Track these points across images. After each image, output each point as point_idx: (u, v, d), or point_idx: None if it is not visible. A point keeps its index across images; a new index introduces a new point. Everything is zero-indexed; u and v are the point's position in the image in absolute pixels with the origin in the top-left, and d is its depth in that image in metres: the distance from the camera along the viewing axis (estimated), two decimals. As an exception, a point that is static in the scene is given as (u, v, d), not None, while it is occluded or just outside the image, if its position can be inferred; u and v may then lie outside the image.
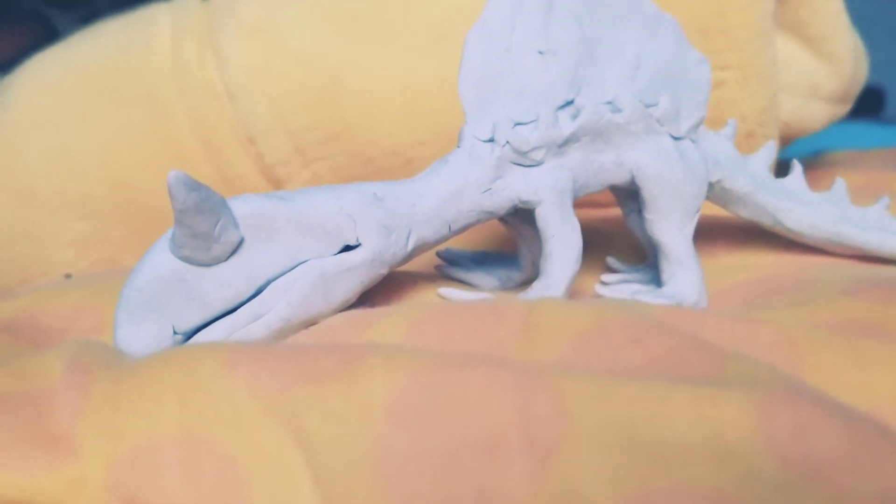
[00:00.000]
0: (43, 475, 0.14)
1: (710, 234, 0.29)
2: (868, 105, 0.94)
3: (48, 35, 0.38)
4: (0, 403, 0.15)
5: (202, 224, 0.19)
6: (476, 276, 0.26)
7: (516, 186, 0.23)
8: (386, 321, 0.19)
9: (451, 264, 0.26)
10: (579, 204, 0.35)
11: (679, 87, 0.24)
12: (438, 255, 0.27)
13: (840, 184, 0.27)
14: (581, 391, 0.13)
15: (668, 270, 0.24)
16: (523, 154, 0.22)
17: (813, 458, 0.12)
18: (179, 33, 0.34)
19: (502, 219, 0.24)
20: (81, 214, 0.35)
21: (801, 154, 0.59)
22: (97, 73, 0.35)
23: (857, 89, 0.41)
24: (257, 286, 0.20)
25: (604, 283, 0.26)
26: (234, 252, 0.20)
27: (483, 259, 0.27)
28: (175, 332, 0.20)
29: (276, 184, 0.35)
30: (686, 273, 0.24)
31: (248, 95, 0.34)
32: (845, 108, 0.41)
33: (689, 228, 0.24)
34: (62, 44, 0.36)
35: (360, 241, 0.21)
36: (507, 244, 0.29)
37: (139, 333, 0.20)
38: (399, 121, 0.33)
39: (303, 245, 0.21)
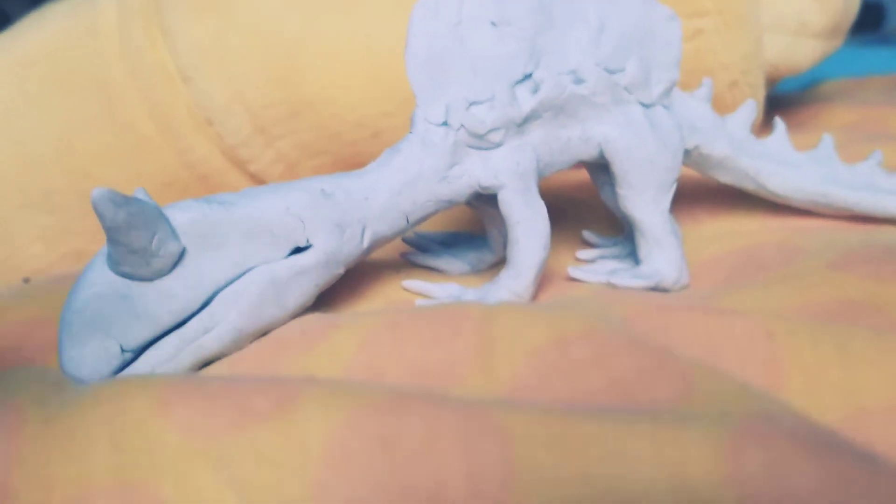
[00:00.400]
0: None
1: (693, 197, 0.28)
2: (867, 21, 0.91)
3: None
4: None
5: (137, 240, 0.18)
6: (444, 261, 0.24)
7: (475, 172, 0.21)
8: (339, 334, 0.18)
9: (419, 249, 0.25)
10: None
11: (648, 48, 0.22)
12: (405, 240, 0.25)
13: (827, 140, 0.25)
14: (529, 435, 0.12)
15: (644, 248, 0.23)
16: (480, 137, 0.21)
17: (785, 499, 0.11)
18: (126, 14, 0.33)
19: (468, 202, 0.23)
20: (45, 209, 0.34)
21: (793, 86, 0.57)
22: (45, 62, 0.33)
23: (848, 23, 0.39)
24: (205, 297, 0.19)
25: (579, 261, 0.25)
26: (176, 264, 0.19)
27: (452, 241, 0.25)
28: (123, 350, 0.19)
29: (240, 164, 0.33)
30: (664, 251, 0.22)
31: (201, 75, 0.32)
32: (837, 42, 0.39)
33: (665, 202, 0.22)
34: (8, 32, 0.35)
35: (311, 241, 0.20)
36: (477, 224, 0.27)
37: (85, 355, 0.18)
38: (363, 92, 0.32)
39: (250, 250, 0.19)
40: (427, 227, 0.27)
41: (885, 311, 0.18)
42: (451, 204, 0.22)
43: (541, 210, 0.21)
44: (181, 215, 0.19)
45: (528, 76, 0.21)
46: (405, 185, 0.21)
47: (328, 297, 0.22)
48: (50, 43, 0.33)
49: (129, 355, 0.19)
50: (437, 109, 0.21)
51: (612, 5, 0.22)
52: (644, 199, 0.22)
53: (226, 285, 0.19)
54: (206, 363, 0.19)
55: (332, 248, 0.20)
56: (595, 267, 0.24)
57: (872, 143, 0.32)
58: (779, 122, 0.25)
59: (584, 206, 0.28)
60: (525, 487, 0.11)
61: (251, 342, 0.20)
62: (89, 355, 0.18)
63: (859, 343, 0.15)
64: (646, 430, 0.12)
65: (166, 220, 0.18)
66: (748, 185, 0.25)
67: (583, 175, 0.30)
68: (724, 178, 0.25)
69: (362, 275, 0.24)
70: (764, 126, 0.36)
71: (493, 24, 0.21)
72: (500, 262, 0.24)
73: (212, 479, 0.13)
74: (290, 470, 0.13)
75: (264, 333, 0.20)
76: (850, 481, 0.11)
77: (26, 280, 0.31)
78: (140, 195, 0.19)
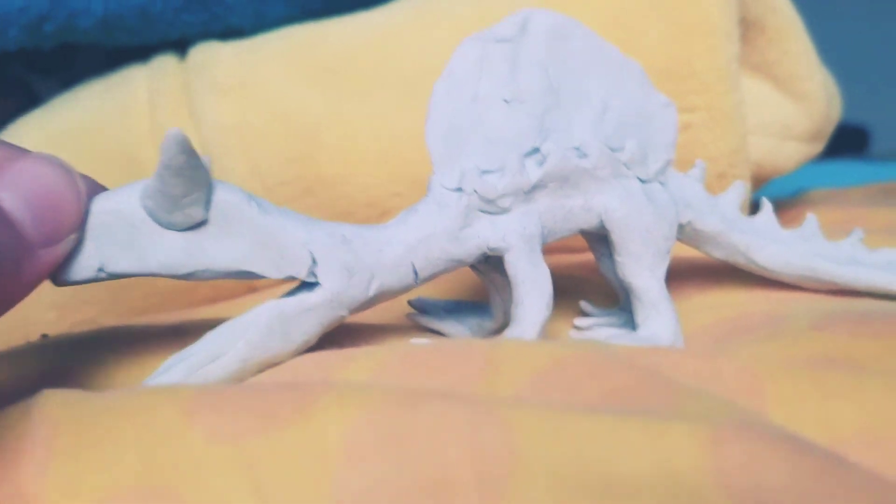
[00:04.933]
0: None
1: (683, 274, 0.29)
2: (852, 143, 0.95)
3: (29, 101, 0.39)
4: None
5: (176, 187, 0.19)
6: (447, 325, 0.26)
7: (484, 234, 0.23)
8: (352, 364, 0.19)
9: (423, 313, 0.26)
10: (553, 250, 0.35)
11: (646, 130, 0.25)
12: (410, 303, 0.27)
13: (811, 219, 0.27)
14: (531, 426, 0.13)
15: (641, 313, 0.24)
16: (490, 202, 0.23)
17: (761, 491, 0.12)
18: (156, 95, 0.35)
19: (474, 267, 0.24)
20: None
21: (781, 193, 0.59)
22: (77, 137, 0.35)
23: (830, 127, 0.42)
24: (193, 270, 0.20)
25: (577, 328, 0.26)
26: (191, 228, 0.20)
27: (455, 308, 0.27)
28: (100, 269, 0.20)
29: (256, 239, 0.35)
30: (660, 315, 0.24)
31: (224, 154, 0.34)
32: (819, 146, 0.42)
33: (661, 270, 0.24)
34: (42, 109, 0.37)
35: (321, 280, 0.21)
36: (479, 293, 0.29)
37: (73, 252, 0.20)
38: (375, 172, 0.34)
39: (253, 256, 0.21)
40: (435, 296, 0.29)
41: (860, 364, 0.19)
42: (459, 263, 0.23)
43: (545, 272, 0.23)
44: (223, 194, 0.21)
45: (536, 150, 0.23)
46: (419, 241, 0.22)
47: (335, 345, 0.23)
48: (83, 120, 0.35)
49: (104, 275, 0.20)
50: (453, 176, 0.23)
51: (615, 89, 0.24)
52: (641, 265, 0.24)
53: (214, 270, 0.21)
54: None
55: (338, 289, 0.21)
56: (592, 333, 0.25)
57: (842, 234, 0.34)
58: (765, 202, 0.27)
59: (584, 283, 0.29)
60: (528, 474, 0.13)
61: (255, 374, 0.21)
62: (75, 254, 0.20)
63: (836, 380, 0.16)
64: (637, 424, 0.13)
65: (209, 189, 0.20)
66: (739, 260, 0.26)
67: (582, 255, 0.31)
68: (716, 252, 0.26)
69: (370, 334, 0.25)
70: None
71: (507, 101, 0.23)
72: (500, 329, 0.26)
73: (235, 484, 0.14)
74: (310, 469, 0.14)
75: (268, 367, 0.21)
76: (820, 476, 0.12)
77: (44, 336, 0.32)
78: (206, 162, 0.21)
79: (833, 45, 0.39)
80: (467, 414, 0.13)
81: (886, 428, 0.15)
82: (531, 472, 0.13)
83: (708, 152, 0.34)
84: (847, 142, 0.95)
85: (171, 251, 0.20)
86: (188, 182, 0.19)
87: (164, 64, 0.36)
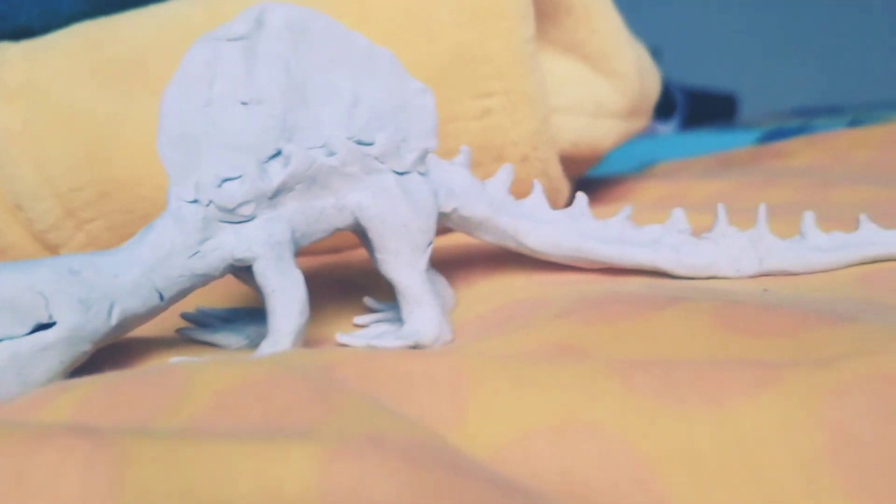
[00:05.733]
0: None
1: (472, 260, 0.29)
2: (721, 111, 0.98)
3: None
4: None
5: None
6: (222, 336, 0.25)
7: (228, 245, 0.22)
8: (62, 396, 0.18)
9: (198, 325, 0.26)
10: (345, 245, 0.35)
11: (403, 120, 0.24)
12: (182, 316, 0.26)
13: (580, 198, 0.27)
14: (144, 456, 0.13)
15: (405, 309, 0.24)
16: (230, 211, 0.22)
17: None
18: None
19: (237, 276, 0.24)
20: None
21: (631, 167, 0.60)
22: None
23: (648, 103, 0.42)
24: None
25: (356, 326, 0.26)
26: None
27: (233, 316, 0.26)
28: None
29: (52, 249, 0.34)
30: (422, 310, 0.24)
31: (10, 160, 0.32)
32: (640, 122, 0.42)
33: (421, 264, 0.24)
34: None
35: (55, 318, 0.20)
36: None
37: None
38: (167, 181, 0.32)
39: None
40: (219, 302, 0.28)
41: (587, 350, 0.19)
42: (206, 279, 0.22)
43: (296, 278, 0.22)
44: None
45: (279, 152, 0.23)
46: (158, 260, 0.21)
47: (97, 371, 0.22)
48: None
49: None
50: (188, 187, 0.22)
51: (365, 80, 0.24)
52: (401, 261, 0.23)
53: None
54: None
55: (75, 325, 0.20)
56: (363, 332, 0.25)
57: (667, 210, 0.35)
58: (536, 185, 0.27)
59: (374, 276, 0.29)
60: (131, 501, 0.12)
61: None
62: None
63: (532, 373, 0.16)
64: (250, 450, 0.12)
65: None
66: (509, 244, 0.26)
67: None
68: (487, 237, 0.26)
69: (136, 350, 0.24)
70: (569, 202, 0.38)
71: (244, 103, 0.22)
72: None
73: None
74: None
75: None
76: (432, 493, 0.12)
77: None
78: None
79: (702, 16, 0.40)
80: (85, 449, 0.13)
81: (572, 420, 0.15)
82: (135, 499, 0.12)
83: (509, 136, 0.34)
84: (716, 110, 0.97)
85: None
86: None
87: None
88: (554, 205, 0.37)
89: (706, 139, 0.70)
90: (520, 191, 0.30)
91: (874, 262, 0.25)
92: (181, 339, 0.25)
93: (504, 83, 0.33)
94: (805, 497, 0.14)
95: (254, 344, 0.25)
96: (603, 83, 0.39)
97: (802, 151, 0.48)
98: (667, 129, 0.82)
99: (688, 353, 0.18)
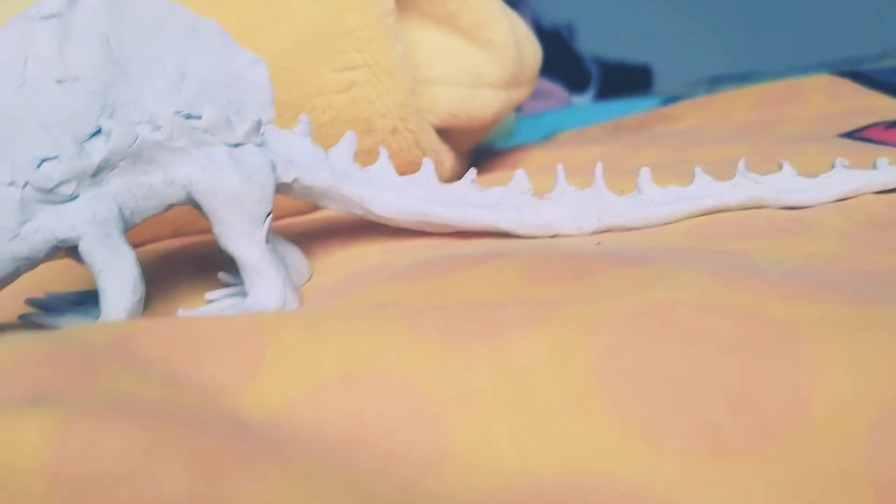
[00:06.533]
0: None
1: (329, 233, 0.29)
2: (637, 82, 0.99)
3: None
4: None
5: None
6: (69, 320, 0.25)
7: (49, 226, 0.22)
8: None
9: (45, 309, 0.25)
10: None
11: (235, 91, 0.24)
12: (28, 302, 0.26)
13: (427, 164, 0.27)
14: None
15: (248, 281, 0.24)
16: (49, 191, 0.22)
17: (97, 476, 0.12)
18: None
19: (72, 257, 0.23)
20: None
21: (539, 136, 0.61)
22: None
23: (530, 73, 0.43)
24: None
25: (208, 301, 0.26)
26: None
27: (84, 299, 0.26)
28: None
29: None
30: (264, 280, 0.24)
31: None
32: (522, 92, 0.43)
33: (261, 235, 0.24)
34: None
35: None
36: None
37: None
38: None
39: None
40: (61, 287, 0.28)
41: (404, 306, 0.20)
42: (30, 262, 0.22)
43: (126, 256, 0.22)
44: None
45: (101, 130, 0.22)
46: None
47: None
48: None
49: None
50: (4, 169, 0.22)
51: (191, 54, 0.24)
52: (237, 233, 0.23)
53: None
54: None
55: None
56: (209, 307, 0.25)
57: (546, 175, 0.35)
58: (382, 151, 0.27)
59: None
60: None
61: None
62: None
63: (328, 324, 0.16)
64: None
65: None
66: (357, 211, 0.26)
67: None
68: (333, 206, 0.26)
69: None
70: (460, 174, 0.38)
71: (60, 81, 0.22)
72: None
73: None
74: None
75: None
76: (158, 451, 0.12)
77: None
78: None
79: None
80: None
81: (362, 367, 0.16)
82: None
83: (376, 108, 0.34)
84: (632, 81, 0.98)
85: None
86: None
87: None
88: (440, 176, 0.37)
89: (613, 108, 0.70)
90: (396, 164, 0.30)
91: (707, 214, 0.26)
92: (23, 326, 0.25)
93: (365, 56, 0.33)
94: (574, 419, 0.14)
95: None
96: (478, 54, 0.39)
97: (687, 114, 0.49)
98: (582, 100, 0.83)
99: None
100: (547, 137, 0.60)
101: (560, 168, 0.26)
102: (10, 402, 0.13)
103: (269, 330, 0.17)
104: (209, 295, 0.26)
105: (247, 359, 0.16)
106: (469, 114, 0.39)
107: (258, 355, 0.16)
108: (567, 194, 0.26)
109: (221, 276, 0.27)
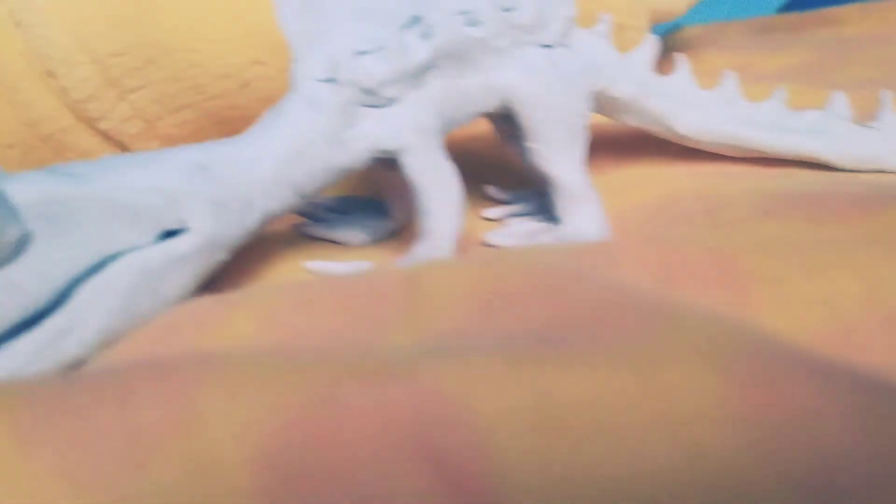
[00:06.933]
0: None
1: (594, 145, 0.27)
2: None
3: None
4: None
5: None
6: (342, 232, 0.22)
7: (373, 134, 0.19)
8: (236, 313, 0.15)
9: (311, 219, 0.23)
10: None
11: None
12: (296, 212, 0.23)
13: (730, 77, 0.24)
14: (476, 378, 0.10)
15: (562, 206, 0.21)
16: (372, 92, 0.18)
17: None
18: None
19: (389, 171, 0.20)
20: None
21: (658, 29, 0.57)
22: None
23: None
24: (59, 288, 0.16)
25: (488, 220, 0.23)
26: (21, 250, 0.16)
27: (346, 207, 0.23)
28: None
29: (89, 122, 0.29)
30: (585, 207, 0.21)
31: (40, 20, 0.28)
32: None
33: (579, 153, 0.21)
34: None
35: (187, 224, 0.17)
36: (369, 186, 0.25)
37: None
38: (227, 38, 0.28)
39: (110, 234, 0.16)
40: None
41: (843, 243, 0.17)
42: (347, 172, 0.19)
43: (450, 172, 0.19)
44: (24, 192, 0.16)
45: (416, 19, 0.19)
46: (295, 153, 0.18)
47: (212, 286, 0.19)
48: None
49: None
50: (320, 63, 0.18)
51: None
52: (557, 150, 0.21)
53: (84, 275, 0.16)
54: (75, 365, 0.16)
55: (211, 232, 0.17)
56: (511, 230, 0.22)
57: (746, 85, 0.32)
58: (681, 59, 0.24)
59: (482, 159, 0.26)
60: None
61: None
62: None
63: (825, 256, 0.14)
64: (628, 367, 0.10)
65: (3, 198, 0.15)
66: (655, 128, 0.24)
67: (475, 126, 0.28)
68: (631, 121, 0.23)
69: (252, 252, 0.21)
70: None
71: None
72: (402, 230, 0.22)
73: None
74: None
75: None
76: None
77: None
78: None
79: None
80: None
81: None
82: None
83: (606, 4, 0.30)
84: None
85: (22, 287, 0.15)
86: None
87: None
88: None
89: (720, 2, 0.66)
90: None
91: None
92: (297, 236, 0.22)
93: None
94: None
95: (376, 240, 0.22)
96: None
97: (856, 20, 0.46)
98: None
99: None
100: (666, 33, 0.56)
101: (885, 94, 0.23)
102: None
103: (744, 257, 0.15)
104: (488, 213, 0.23)
105: (729, 287, 0.14)
106: (668, 8, 0.36)
107: (741, 286, 0.14)
108: (894, 124, 0.23)
109: (491, 190, 0.24)
